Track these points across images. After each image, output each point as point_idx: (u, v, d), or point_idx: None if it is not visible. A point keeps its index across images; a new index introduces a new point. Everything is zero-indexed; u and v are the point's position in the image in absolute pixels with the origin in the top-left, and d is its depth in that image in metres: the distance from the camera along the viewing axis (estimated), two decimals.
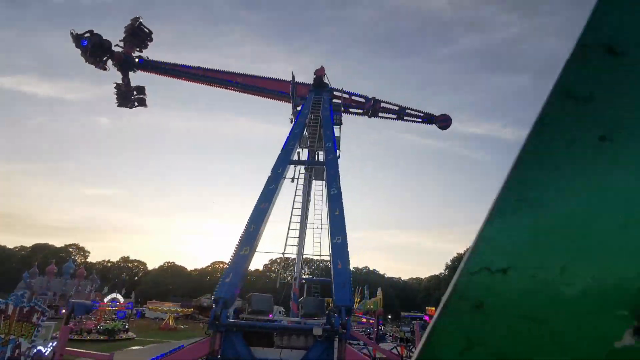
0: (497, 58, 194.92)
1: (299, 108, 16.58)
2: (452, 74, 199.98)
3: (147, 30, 18.43)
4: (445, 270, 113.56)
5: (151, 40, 18.60)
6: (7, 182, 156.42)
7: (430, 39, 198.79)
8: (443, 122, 18.83)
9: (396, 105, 18.67)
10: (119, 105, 20.15)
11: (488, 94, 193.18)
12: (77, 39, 18.08)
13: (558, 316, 0.56)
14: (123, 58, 18.73)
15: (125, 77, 19.08)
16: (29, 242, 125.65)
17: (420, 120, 18.89)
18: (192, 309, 53.51)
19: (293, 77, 17.05)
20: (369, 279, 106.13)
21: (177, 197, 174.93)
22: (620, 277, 0.57)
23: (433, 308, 39.21)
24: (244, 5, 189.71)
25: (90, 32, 18.37)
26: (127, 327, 32.84)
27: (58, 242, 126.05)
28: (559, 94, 0.69)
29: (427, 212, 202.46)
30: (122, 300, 36.79)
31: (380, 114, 18.56)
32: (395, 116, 18.71)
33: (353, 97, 18.48)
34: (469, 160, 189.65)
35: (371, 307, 48.63)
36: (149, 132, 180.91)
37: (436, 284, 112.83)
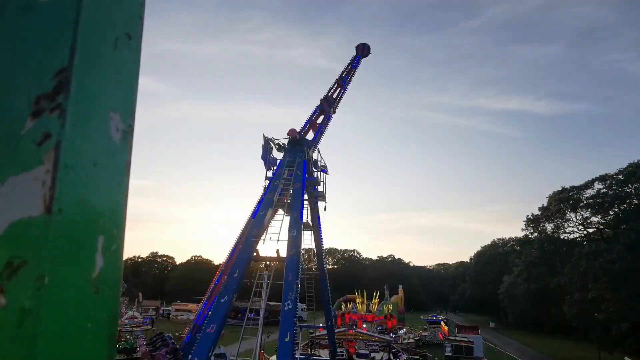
0: (528, 28, 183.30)
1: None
2: (479, 48, 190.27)
3: None
4: (471, 261, 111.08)
5: None
6: None
7: (455, 12, 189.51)
8: (360, 51, 18.99)
9: (334, 83, 18.52)
10: None
11: (518, 66, 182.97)
12: None
13: None
14: None
15: None
16: None
17: (353, 69, 18.86)
18: None
19: (265, 140, 15.57)
20: (393, 270, 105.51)
21: (203, 186, 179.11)
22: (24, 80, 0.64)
23: (446, 328, 38.43)
24: None
25: None
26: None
27: None
28: None
29: (457, 191, 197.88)
30: (139, 317, 38.08)
31: (337, 105, 18.47)
32: (343, 89, 18.62)
33: (315, 120, 17.92)
34: (498, 137, 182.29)
35: (390, 309, 47.92)
36: (174, 122, 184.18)
37: (462, 273, 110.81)
